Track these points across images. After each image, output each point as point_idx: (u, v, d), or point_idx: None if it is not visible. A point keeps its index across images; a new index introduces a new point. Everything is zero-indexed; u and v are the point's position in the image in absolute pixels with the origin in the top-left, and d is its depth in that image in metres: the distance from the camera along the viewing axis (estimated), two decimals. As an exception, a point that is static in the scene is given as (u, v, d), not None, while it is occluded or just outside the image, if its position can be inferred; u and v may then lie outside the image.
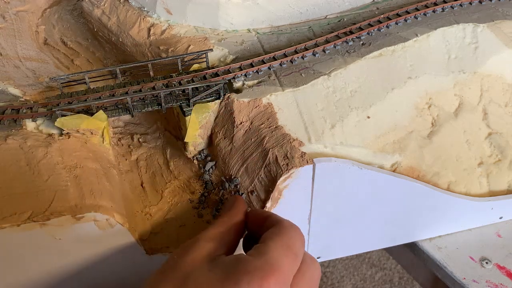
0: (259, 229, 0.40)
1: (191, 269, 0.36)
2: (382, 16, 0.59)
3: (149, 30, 0.58)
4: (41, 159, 0.46)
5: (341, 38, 0.56)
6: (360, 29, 0.58)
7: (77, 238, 0.44)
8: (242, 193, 0.48)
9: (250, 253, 0.37)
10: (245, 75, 0.53)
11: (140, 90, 0.51)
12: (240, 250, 0.42)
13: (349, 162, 0.48)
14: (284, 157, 0.46)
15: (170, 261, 0.38)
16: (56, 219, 0.43)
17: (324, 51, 0.55)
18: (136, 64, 0.53)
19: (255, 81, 0.52)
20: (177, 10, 0.58)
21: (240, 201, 0.44)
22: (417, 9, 0.60)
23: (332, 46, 0.56)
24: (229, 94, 0.50)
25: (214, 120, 0.51)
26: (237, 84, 0.52)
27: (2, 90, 0.55)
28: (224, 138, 0.50)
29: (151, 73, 0.53)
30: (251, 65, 0.53)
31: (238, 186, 0.48)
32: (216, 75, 0.52)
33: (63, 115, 0.47)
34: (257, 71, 0.53)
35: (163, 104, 0.49)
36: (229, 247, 0.40)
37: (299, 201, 0.48)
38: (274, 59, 0.54)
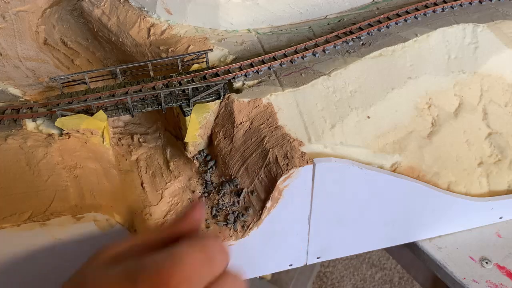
0: None
1: (90, 270, 0.33)
2: (382, 16, 0.59)
3: (149, 30, 0.58)
4: (41, 159, 0.46)
5: (341, 38, 0.56)
6: (360, 29, 0.58)
7: (77, 238, 0.44)
8: (242, 193, 0.48)
9: (158, 251, 0.32)
10: (245, 75, 0.53)
11: (140, 90, 0.51)
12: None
13: (349, 162, 0.48)
14: (284, 157, 0.46)
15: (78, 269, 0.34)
16: (56, 219, 0.43)
17: (324, 51, 0.55)
18: (136, 64, 0.53)
19: (255, 81, 0.52)
20: (177, 10, 0.58)
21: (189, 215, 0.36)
22: (417, 9, 0.60)
23: (332, 46, 0.56)
24: (229, 94, 0.50)
25: (214, 120, 0.51)
26: (237, 84, 0.52)
27: (2, 90, 0.55)
28: (224, 138, 0.50)
29: (151, 73, 0.53)
30: (251, 65, 0.53)
31: (238, 186, 0.48)
32: (216, 75, 0.52)
33: (63, 115, 0.47)
34: (257, 71, 0.53)
35: (163, 104, 0.49)
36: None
37: (299, 201, 0.48)
38: (274, 59, 0.54)
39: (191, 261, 0.31)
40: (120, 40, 0.59)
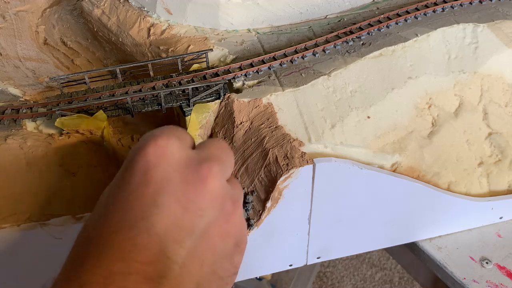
0: None
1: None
2: (382, 16, 0.59)
3: (149, 30, 0.58)
4: (41, 159, 0.46)
5: (341, 38, 0.56)
6: (360, 29, 0.58)
7: (77, 238, 0.44)
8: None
9: None
10: (245, 75, 0.53)
11: (140, 90, 0.51)
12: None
13: (349, 162, 0.48)
14: (284, 157, 0.46)
15: None
16: (56, 219, 0.43)
17: (324, 51, 0.55)
18: (136, 64, 0.53)
19: (255, 81, 0.52)
20: (177, 10, 0.58)
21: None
22: (417, 9, 0.60)
23: (332, 46, 0.56)
24: (229, 94, 0.50)
25: (214, 120, 0.51)
26: (237, 84, 0.52)
27: (2, 90, 0.55)
28: (224, 138, 0.50)
29: (151, 73, 0.53)
30: (251, 65, 0.53)
31: (238, 186, 0.48)
32: (216, 75, 0.52)
33: (63, 115, 0.47)
34: (257, 71, 0.53)
35: (163, 104, 0.49)
36: None
37: (299, 201, 0.48)
38: (274, 59, 0.54)
39: (168, 129, 0.35)
40: (120, 40, 0.59)
